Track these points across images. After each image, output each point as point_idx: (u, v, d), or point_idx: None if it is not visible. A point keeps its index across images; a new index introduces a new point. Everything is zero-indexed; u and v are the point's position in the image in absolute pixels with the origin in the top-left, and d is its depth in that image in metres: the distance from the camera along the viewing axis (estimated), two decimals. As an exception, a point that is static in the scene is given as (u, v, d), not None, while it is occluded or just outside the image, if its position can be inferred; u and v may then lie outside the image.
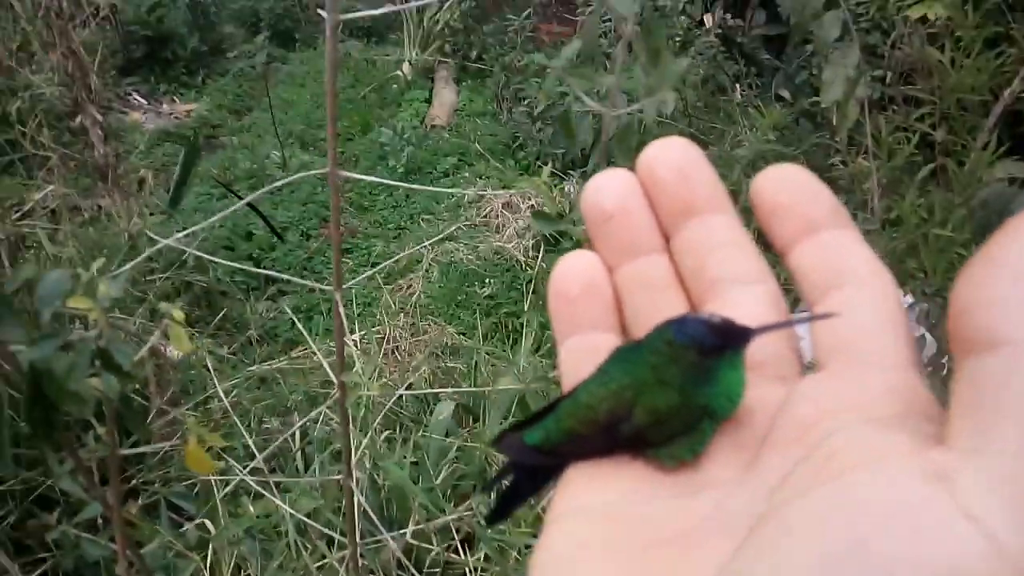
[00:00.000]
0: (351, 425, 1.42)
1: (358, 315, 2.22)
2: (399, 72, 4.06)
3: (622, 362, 0.25)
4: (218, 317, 2.14)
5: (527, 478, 0.28)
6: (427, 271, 2.71)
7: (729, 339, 0.23)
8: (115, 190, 2.42)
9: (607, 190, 0.27)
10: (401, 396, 1.73)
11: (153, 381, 1.84)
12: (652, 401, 0.24)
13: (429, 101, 3.88)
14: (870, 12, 2.47)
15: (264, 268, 2.54)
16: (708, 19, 3.61)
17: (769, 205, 0.25)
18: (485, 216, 3.09)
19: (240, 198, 2.72)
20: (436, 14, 4.18)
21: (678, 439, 0.24)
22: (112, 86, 3.77)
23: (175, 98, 3.87)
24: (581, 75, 0.41)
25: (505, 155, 3.49)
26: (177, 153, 2.75)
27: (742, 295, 0.26)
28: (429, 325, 2.41)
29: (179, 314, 0.50)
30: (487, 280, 2.66)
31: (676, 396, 0.24)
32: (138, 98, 3.84)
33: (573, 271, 0.27)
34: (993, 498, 0.15)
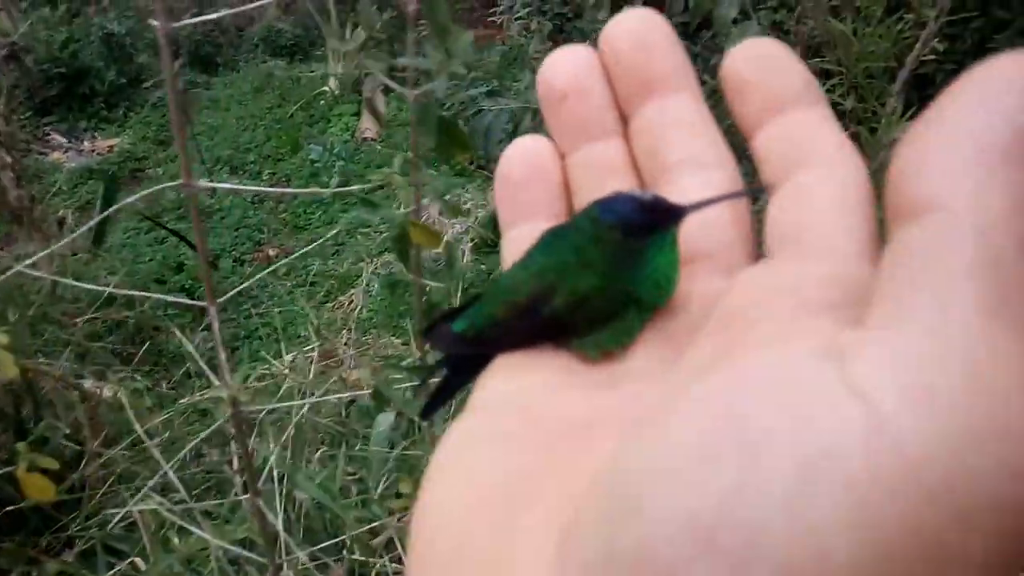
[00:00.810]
0: (285, 445, 1.40)
1: (299, 336, 2.19)
2: (326, 88, 4.03)
3: (548, 244, 0.23)
4: (143, 351, 2.09)
5: (456, 369, 0.27)
6: (368, 285, 2.69)
7: (658, 218, 0.22)
8: (34, 233, 2.35)
9: (561, 68, 0.25)
10: (341, 411, 1.72)
11: (87, 424, 1.79)
12: (574, 284, 0.22)
13: (358, 114, 3.86)
14: (776, -10, 2.53)
15: (198, 299, 2.49)
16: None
17: (736, 84, 0.23)
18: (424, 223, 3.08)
19: (170, 231, 2.68)
20: (357, 27, 4.16)
21: (603, 328, 0.22)
22: (29, 127, 3.67)
23: (96, 134, 3.78)
24: (375, 57, 0.41)
25: (439, 161, 3.49)
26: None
27: (695, 180, 0.24)
28: (372, 339, 2.39)
29: (3, 338, 0.49)
30: (428, 287, 2.65)
31: (599, 279, 0.22)
32: (58, 137, 3.74)
33: (519, 155, 0.26)
34: (887, 374, 0.14)
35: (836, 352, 0.14)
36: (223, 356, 0.60)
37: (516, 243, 0.25)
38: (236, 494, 1.51)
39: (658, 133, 0.24)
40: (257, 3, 0.55)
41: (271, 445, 1.17)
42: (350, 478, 1.60)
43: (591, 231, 0.22)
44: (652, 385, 0.20)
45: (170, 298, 0.77)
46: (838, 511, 0.13)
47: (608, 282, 0.22)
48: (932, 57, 2.37)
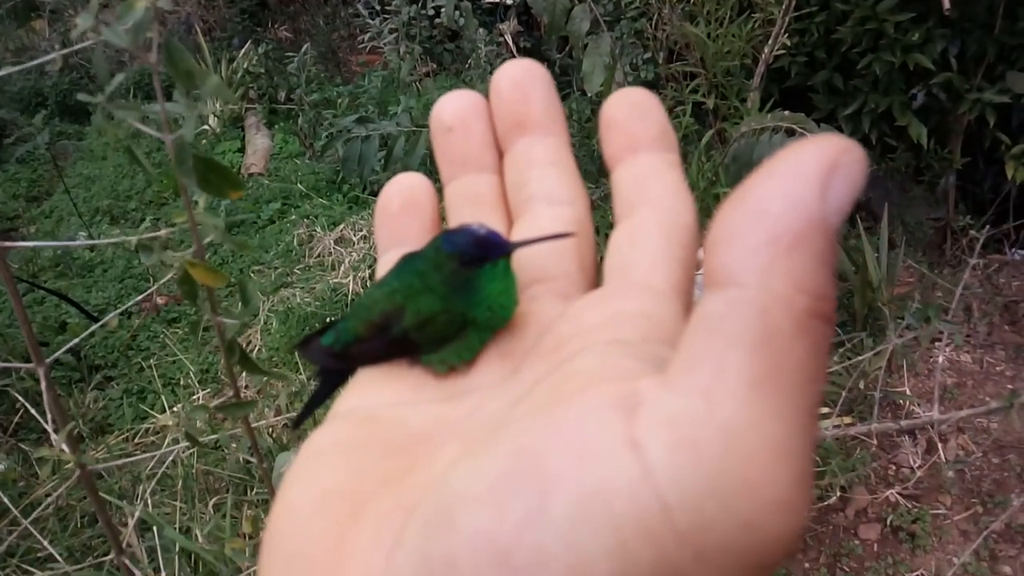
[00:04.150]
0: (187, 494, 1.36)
1: (198, 383, 2.13)
2: (206, 126, 3.93)
3: (400, 268, 0.26)
4: (30, 417, 1.99)
5: (326, 381, 0.29)
6: (265, 323, 2.63)
7: (488, 251, 0.24)
8: None
9: (449, 106, 0.28)
10: (241, 458, 1.68)
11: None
12: (417, 306, 0.25)
13: (243, 150, 3.78)
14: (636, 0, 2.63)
15: (85, 356, 2.39)
16: (505, 27, 3.72)
17: (606, 124, 0.26)
18: (318, 256, 3.05)
19: (48, 290, 2.56)
20: (233, 63, 4.08)
21: (448, 345, 0.25)
22: None
23: (-39, 196, 3.58)
24: (126, 107, 0.43)
25: (331, 191, 3.45)
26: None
27: (546, 213, 0.27)
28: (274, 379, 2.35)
29: None
30: (328, 319, 2.62)
31: (439, 302, 0.25)
32: (-82, 203, 3.52)
33: (398, 188, 0.28)
34: (662, 431, 0.16)
35: (629, 404, 0.17)
36: (51, 417, 0.59)
37: (388, 266, 0.28)
38: (135, 555, 1.46)
39: (523, 168, 0.28)
40: (41, 60, 0.55)
41: (148, 500, 1.14)
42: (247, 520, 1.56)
43: (434, 259, 0.25)
44: (488, 399, 0.23)
45: (-2, 365, 0.74)
46: (605, 545, 0.15)
47: (447, 305, 0.25)
48: (783, 51, 2.53)
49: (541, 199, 0.27)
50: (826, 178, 0.16)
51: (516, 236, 0.27)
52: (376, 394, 0.25)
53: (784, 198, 0.16)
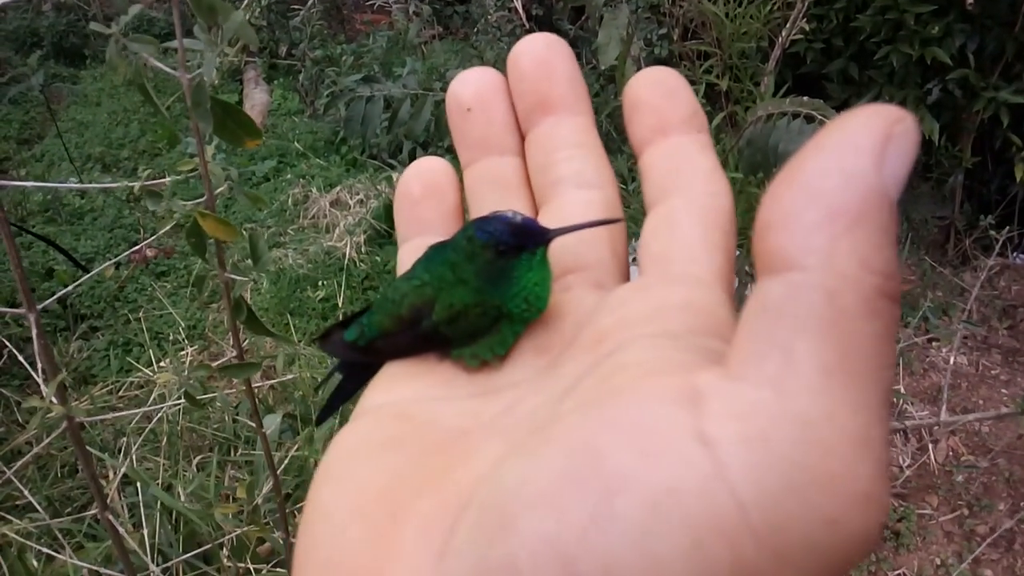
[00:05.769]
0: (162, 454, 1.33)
1: (178, 340, 2.09)
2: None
3: (429, 259, 0.25)
4: (14, 363, 1.95)
5: (349, 375, 0.28)
6: (256, 283, 2.59)
7: (526, 239, 0.23)
8: None
9: (469, 84, 0.27)
10: (228, 417, 1.66)
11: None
12: (449, 298, 0.24)
13: (240, 103, 3.71)
14: (653, -27, 2.57)
15: (71, 305, 2.35)
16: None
17: (633, 103, 0.25)
18: (313, 217, 3.00)
19: (36, 235, 2.51)
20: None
21: (480, 339, 0.23)
22: None
23: (-50, 133, 3.50)
24: (141, 40, 0.39)
25: (328, 151, 3.40)
26: (-46, 193, 2.48)
27: (576, 197, 0.25)
28: (265, 339, 2.31)
29: None
30: (320, 282, 2.58)
31: (472, 294, 0.24)
32: (-95, 138, 3.43)
33: (419, 173, 0.27)
34: (733, 425, 0.15)
35: (691, 397, 0.16)
36: (40, 366, 0.55)
37: (410, 255, 0.26)
38: (119, 507, 1.44)
39: (549, 149, 0.26)
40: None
41: (132, 455, 1.11)
42: (240, 483, 1.54)
43: (467, 249, 0.24)
44: (526, 395, 0.21)
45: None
46: (679, 547, 0.14)
47: (481, 297, 0.24)
48: (801, 36, 2.48)
49: (569, 183, 0.26)
50: (881, 149, 0.15)
51: (545, 222, 0.25)
52: (405, 389, 0.24)
53: (840, 172, 0.15)
